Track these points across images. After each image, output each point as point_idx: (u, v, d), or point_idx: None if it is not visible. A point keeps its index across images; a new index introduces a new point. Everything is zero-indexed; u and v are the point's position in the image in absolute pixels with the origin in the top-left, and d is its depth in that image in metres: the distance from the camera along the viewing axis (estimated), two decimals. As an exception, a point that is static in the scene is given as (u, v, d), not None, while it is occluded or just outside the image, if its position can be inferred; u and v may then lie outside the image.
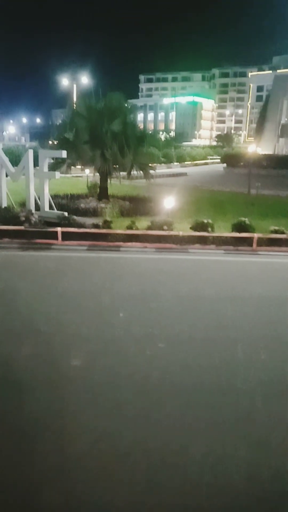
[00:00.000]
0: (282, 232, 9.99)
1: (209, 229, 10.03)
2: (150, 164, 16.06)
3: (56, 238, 9.79)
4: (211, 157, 51.54)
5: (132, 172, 15.06)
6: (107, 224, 10.24)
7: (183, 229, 10.37)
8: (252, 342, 5.24)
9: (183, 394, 4.08)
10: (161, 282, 7.45)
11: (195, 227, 10.13)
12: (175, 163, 40.95)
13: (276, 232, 10.02)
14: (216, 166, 44.48)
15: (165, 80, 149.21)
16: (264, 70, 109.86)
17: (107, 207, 13.51)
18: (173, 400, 4.00)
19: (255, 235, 9.75)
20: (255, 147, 28.26)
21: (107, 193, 15.18)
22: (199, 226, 10.08)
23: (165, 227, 10.02)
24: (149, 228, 10.12)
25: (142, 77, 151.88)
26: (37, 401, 3.91)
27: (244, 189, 21.20)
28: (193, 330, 5.50)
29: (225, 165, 40.95)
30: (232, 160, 39.79)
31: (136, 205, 14.16)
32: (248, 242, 9.85)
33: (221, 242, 9.80)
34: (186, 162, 43.10)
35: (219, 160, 45.66)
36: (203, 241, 9.78)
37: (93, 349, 4.92)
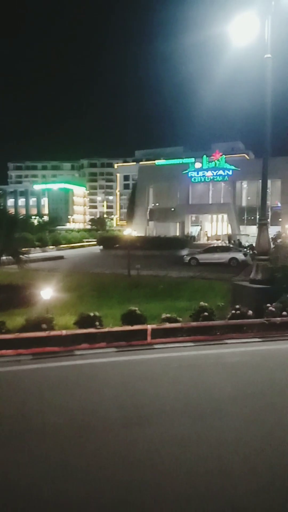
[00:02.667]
0: (175, 320, 9.10)
1: (97, 323, 8.59)
2: (22, 249, 14.74)
3: None
4: (86, 239, 52.05)
5: (2, 258, 13.52)
6: None
7: (66, 325, 8.76)
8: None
9: None
10: (42, 408, 5.55)
11: (80, 323, 8.58)
12: (51, 247, 39.88)
13: (168, 319, 9.09)
14: (92, 248, 44.67)
15: (34, 168, 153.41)
16: (128, 162, 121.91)
17: None
18: None
19: (149, 327, 8.62)
20: (129, 230, 29.22)
21: None
22: (85, 321, 8.57)
23: (43, 326, 8.26)
24: (23, 328, 8.22)
25: (11, 165, 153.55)
26: None
27: (123, 271, 20.83)
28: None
29: (101, 247, 41.38)
30: (107, 242, 40.54)
31: (9, 296, 12.16)
32: (141, 334, 8.64)
33: (112, 337, 8.39)
34: (62, 245, 42.42)
35: (95, 243, 46.17)
36: (91, 339, 8.23)
37: None
